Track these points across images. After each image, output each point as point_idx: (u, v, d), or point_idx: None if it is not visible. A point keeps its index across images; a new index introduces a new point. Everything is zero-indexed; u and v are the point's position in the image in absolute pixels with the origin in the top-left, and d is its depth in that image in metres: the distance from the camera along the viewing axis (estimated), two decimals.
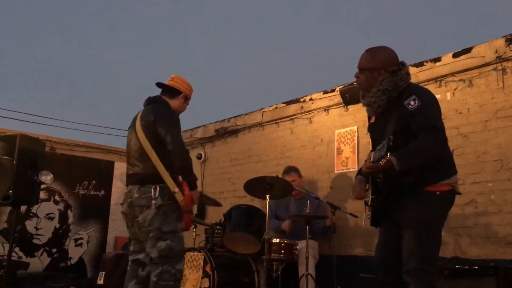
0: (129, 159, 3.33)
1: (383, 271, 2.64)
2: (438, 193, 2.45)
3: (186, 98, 3.51)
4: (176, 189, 3.08)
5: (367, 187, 2.63)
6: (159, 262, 3.05)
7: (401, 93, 2.54)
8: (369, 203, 2.58)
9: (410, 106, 2.44)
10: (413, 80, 3.02)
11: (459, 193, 2.58)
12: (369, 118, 2.79)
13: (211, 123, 6.95)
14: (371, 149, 2.74)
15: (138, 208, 3.10)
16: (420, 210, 2.44)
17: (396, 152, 2.33)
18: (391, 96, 2.55)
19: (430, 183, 2.46)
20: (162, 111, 3.27)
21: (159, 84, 3.51)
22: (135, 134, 3.25)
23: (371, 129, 2.76)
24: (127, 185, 3.28)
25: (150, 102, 3.39)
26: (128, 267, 3.26)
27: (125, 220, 3.29)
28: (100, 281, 5.91)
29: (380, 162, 2.34)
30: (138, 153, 3.21)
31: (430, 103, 2.50)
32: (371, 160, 2.45)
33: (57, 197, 6.81)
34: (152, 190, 3.08)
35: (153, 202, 3.06)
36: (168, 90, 3.45)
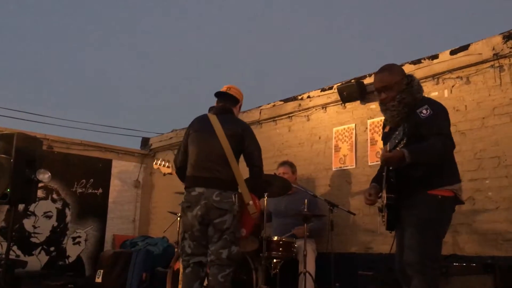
0: (202, 162, 3.40)
1: (403, 277, 2.70)
2: (440, 197, 2.57)
3: (240, 107, 3.77)
4: (251, 202, 3.37)
5: (380, 194, 2.75)
6: (228, 264, 3.27)
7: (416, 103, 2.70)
8: (384, 202, 2.65)
9: (422, 114, 2.61)
10: None
11: (462, 202, 2.70)
12: (384, 127, 2.96)
13: None
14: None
15: (218, 211, 3.26)
16: (421, 210, 2.56)
17: (407, 146, 2.45)
18: (411, 107, 2.69)
19: (433, 187, 2.58)
20: (248, 127, 3.61)
21: (221, 94, 3.65)
22: (216, 142, 3.38)
23: (385, 136, 2.90)
24: (193, 187, 3.35)
25: (224, 111, 3.56)
26: (190, 269, 3.35)
27: (191, 221, 3.32)
28: (98, 280, 5.91)
29: (397, 148, 2.44)
30: (220, 159, 3.36)
31: (441, 113, 2.66)
32: (388, 149, 2.53)
33: (54, 196, 6.80)
34: (233, 196, 3.31)
35: (234, 207, 3.30)
36: (232, 100, 3.64)
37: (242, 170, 3.47)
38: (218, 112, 3.56)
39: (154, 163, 4.61)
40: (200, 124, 3.55)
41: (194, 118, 3.67)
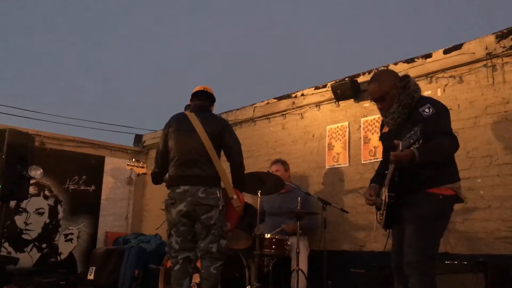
0: (185, 161, 3.46)
1: (398, 275, 2.72)
2: (441, 196, 2.60)
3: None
4: (235, 196, 3.48)
5: (381, 191, 2.76)
6: (219, 257, 3.40)
7: (416, 102, 2.72)
8: (385, 200, 2.66)
9: (425, 113, 2.63)
10: None
11: (462, 201, 2.75)
12: (382, 127, 2.99)
13: None
14: (381, 158, 2.99)
15: (204, 207, 3.35)
16: (422, 208, 2.59)
17: (417, 146, 2.47)
18: (411, 108, 2.72)
19: (435, 185, 2.61)
20: (227, 123, 3.72)
21: (199, 92, 3.69)
22: (197, 139, 3.44)
23: (384, 137, 2.93)
24: (178, 185, 3.41)
25: (202, 109, 3.62)
26: (179, 266, 3.43)
27: (175, 217, 3.40)
28: (90, 277, 5.89)
29: (412, 148, 2.45)
30: (202, 157, 3.43)
31: (443, 112, 2.69)
32: (400, 149, 2.53)
33: (47, 192, 6.76)
34: (218, 192, 3.41)
35: (220, 203, 3.40)
36: (209, 99, 3.71)
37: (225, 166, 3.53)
38: (196, 110, 3.60)
39: (127, 163, 4.61)
40: (179, 123, 3.58)
41: (171, 117, 3.70)
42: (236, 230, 4.28)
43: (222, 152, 3.61)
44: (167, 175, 3.61)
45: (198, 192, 3.35)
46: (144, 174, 4.59)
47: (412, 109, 2.72)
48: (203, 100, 3.67)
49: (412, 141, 2.42)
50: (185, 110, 3.69)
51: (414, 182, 2.62)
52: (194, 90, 3.72)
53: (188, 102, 3.75)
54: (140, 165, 4.45)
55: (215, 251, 3.37)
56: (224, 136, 3.52)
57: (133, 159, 4.54)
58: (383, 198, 2.69)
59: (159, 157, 3.66)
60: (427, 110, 2.63)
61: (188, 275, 3.43)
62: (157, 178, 3.71)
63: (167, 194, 3.50)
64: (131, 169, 4.53)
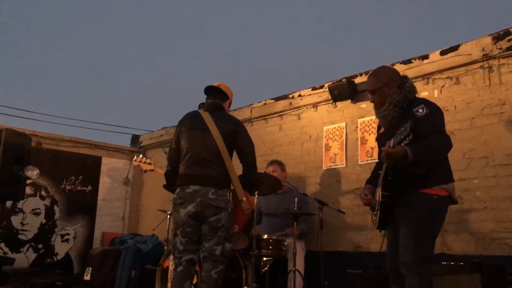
0: (196, 160, 3.38)
1: (394, 276, 2.72)
2: (435, 197, 2.59)
3: (230, 104, 3.75)
4: (244, 198, 3.41)
5: (376, 193, 2.75)
6: (222, 260, 3.32)
7: (410, 103, 2.73)
8: (379, 200, 2.66)
9: (418, 113, 2.63)
10: None
11: (455, 202, 2.72)
12: (379, 129, 2.99)
13: None
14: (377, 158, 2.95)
15: (214, 209, 3.27)
16: (416, 209, 2.58)
17: (410, 144, 2.46)
18: (402, 108, 2.74)
19: (429, 186, 2.60)
20: (241, 123, 3.60)
21: (210, 89, 3.61)
22: (210, 139, 3.37)
23: (380, 137, 2.93)
24: (188, 184, 3.33)
25: (216, 108, 3.54)
26: (182, 267, 3.35)
27: (183, 218, 3.31)
28: (87, 277, 5.87)
29: (402, 144, 2.44)
30: (214, 157, 3.35)
31: (437, 112, 2.69)
32: (391, 145, 2.50)
33: (43, 193, 6.75)
34: (228, 194, 3.34)
35: (229, 205, 3.34)
36: (222, 96, 3.61)
37: (236, 167, 3.47)
38: (210, 109, 3.53)
39: (134, 159, 4.59)
40: (193, 121, 3.50)
41: (184, 115, 3.62)
42: None
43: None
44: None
45: (209, 193, 3.27)
46: (151, 170, 4.55)
47: (405, 109, 2.72)
48: (215, 97, 3.58)
49: (402, 137, 2.40)
50: (199, 109, 3.62)
51: (408, 182, 2.62)
52: (207, 86, 3.62)
53: (204, 100, 3.66)
54: (148, 161, 4.42)
55: (218, 254, 3.29)
56: (238, 136, 3.45)
57: (140, 155, 4.51)
58: (377, 198, 2.69)
59: (172, 156, 3.55)
60: (420, 110, 2.63)
61: (190, 278, 3.36)
62: (171, 178, 3.58)
63: (176, 193, 3.40)
64: (138, 165, 4.51)
